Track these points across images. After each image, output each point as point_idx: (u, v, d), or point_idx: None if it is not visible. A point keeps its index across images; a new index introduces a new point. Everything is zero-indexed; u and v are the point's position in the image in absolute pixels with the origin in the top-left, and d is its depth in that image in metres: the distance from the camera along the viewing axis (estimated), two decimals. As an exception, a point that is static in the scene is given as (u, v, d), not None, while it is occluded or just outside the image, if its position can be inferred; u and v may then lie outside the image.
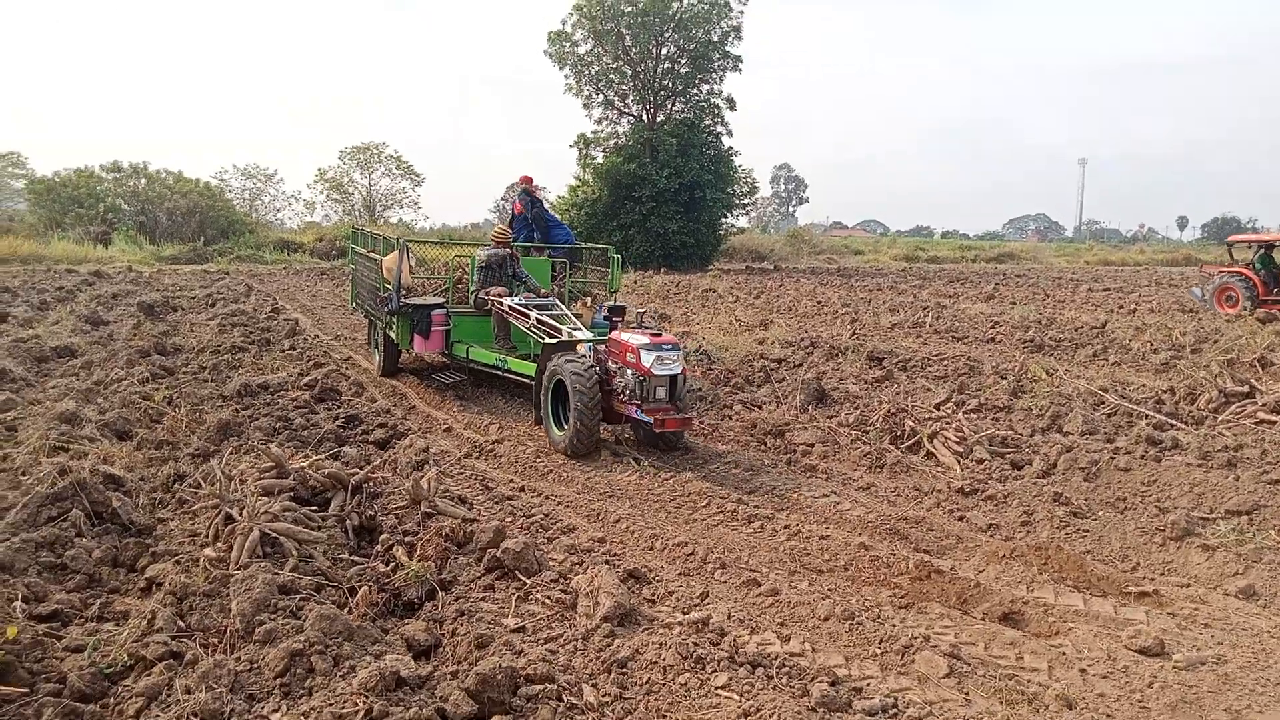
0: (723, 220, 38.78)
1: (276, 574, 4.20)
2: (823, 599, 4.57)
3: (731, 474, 7.08)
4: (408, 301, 10.07)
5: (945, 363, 11.55)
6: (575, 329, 8.71)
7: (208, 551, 4.62)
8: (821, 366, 11.28)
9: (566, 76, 37.76)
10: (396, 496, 5.94)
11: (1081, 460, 7.18)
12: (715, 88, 37.92)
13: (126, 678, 3.66)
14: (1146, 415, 8.58)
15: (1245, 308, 18.88)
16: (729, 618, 4.28)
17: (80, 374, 9.61)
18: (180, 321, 14.91)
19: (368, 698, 3.20)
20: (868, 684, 3.70)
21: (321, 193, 52.31)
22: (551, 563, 4.91)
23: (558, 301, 9.93)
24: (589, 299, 11.65)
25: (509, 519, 5.77)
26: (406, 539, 5.17)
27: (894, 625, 4.29)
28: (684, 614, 4.27)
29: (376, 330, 11.54)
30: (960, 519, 6.16)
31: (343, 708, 3.14)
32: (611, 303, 10.34)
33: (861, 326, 15.99)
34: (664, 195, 34.50)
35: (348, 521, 5.28)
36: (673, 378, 7.49)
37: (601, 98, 38.01)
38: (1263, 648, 4.15)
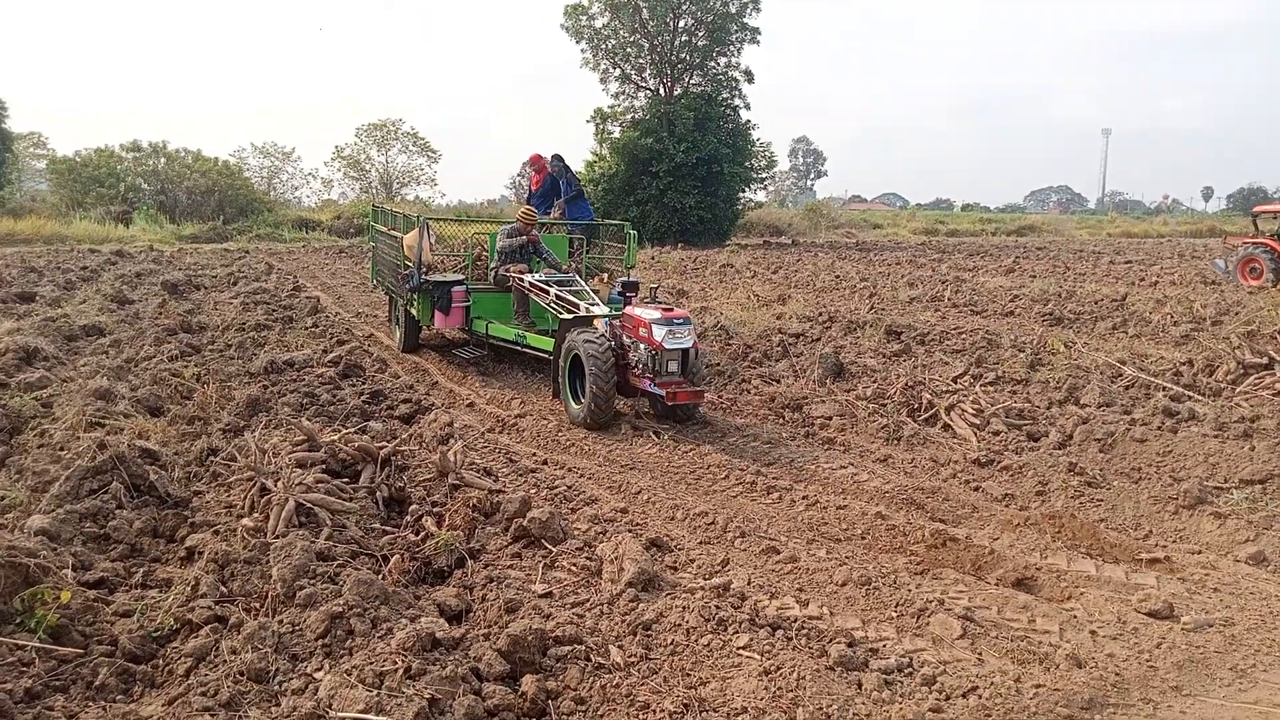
0: (740, 195, 38.67)
1: (313, 542, 4.37)
2: (840, 566, 4.70)
3: (750, 446, 7.20)
4: (428, 278, 10.21)
5: (963, 336, 11.59)
6: (593, 304, 8.83)
7: (245, 522, 4.80)
8: (839, 341, 11.34)
9: (583, 51, 37.70)
10: (423, 469, 6.11)
11: (1097, 432, 7.25)
12: (733, 60, 37.75)
13: (173, 640, 3.84)
14: (1164, 387, 8.62)
15: (1269, 280, 18.73)
16: (749, 583, 4.42)
17: (110, 352, 9.83)
18: (204, 300, 15.12)
19: (406, 656, 3.36)
20: (883, 645, 3.83)
21: (339, 170, 52.51)
22: (576, 532, 5.06)
23: (577, 277, 10.06)
24: (606, 275, 11.75)
25: (533, 491, 5.92)
26: (435, 510, 5.33)
27: (909, 590, 4.41)
28: (705, 580, 4.41)
29: (397, 307, 11.70)
30: (976, 489, 6.26)
31: (383, 666, 3.30)
32: (626, 278, 10.46)
33: (880, 301, 16.01)
34: (681, 170, 34.41)
35: (378, 493, 5.44)
36: (684, 351, 7.62)
37: (618, 71, 37.93)
38: (1270, 610, 4.25)
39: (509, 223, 10.72)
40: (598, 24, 37.22)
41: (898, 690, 3.45)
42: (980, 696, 3.41)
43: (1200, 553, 5.08)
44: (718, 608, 3.98)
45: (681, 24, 36.92)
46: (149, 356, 9.46)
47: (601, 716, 3.34)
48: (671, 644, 3.76)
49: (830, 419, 7.87)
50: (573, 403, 8.06)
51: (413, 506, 5.39)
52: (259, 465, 5.28)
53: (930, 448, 7.21)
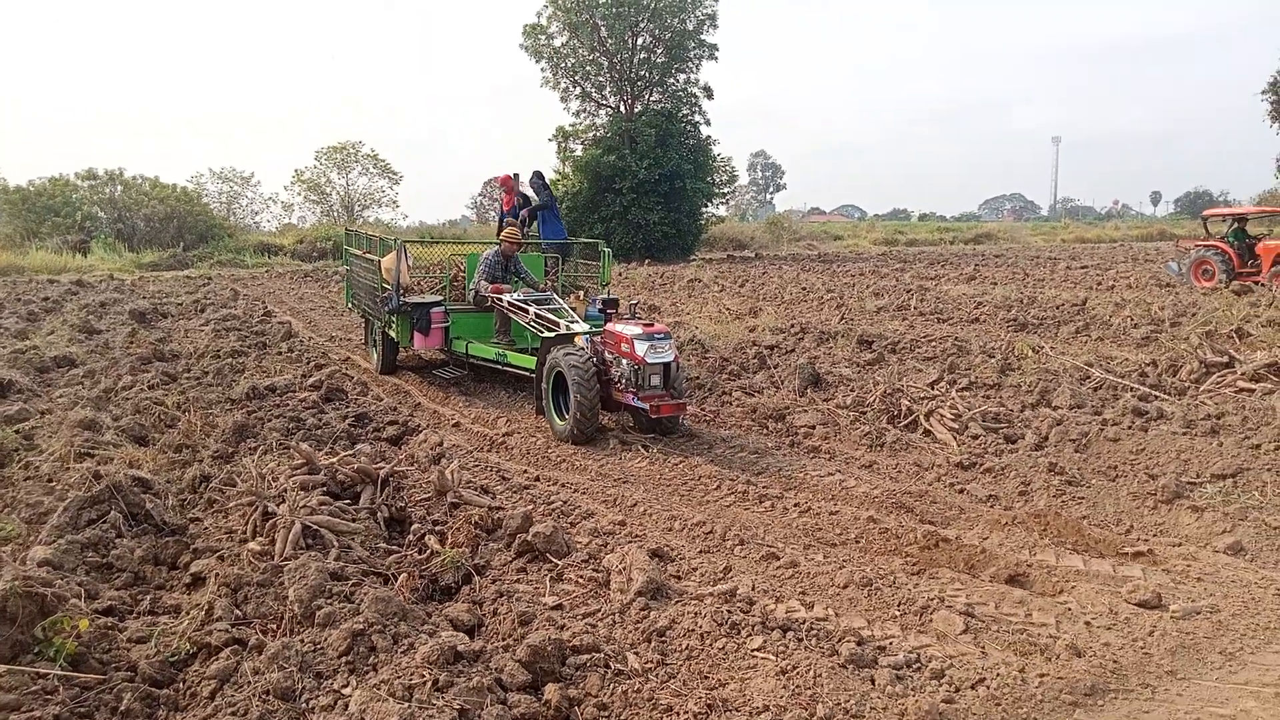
0: (703, 209, 39.03)
1: (325, 563, 4.41)
2: (840, 569, 4.83)
3: (738, 457, 7.33)
4: (407, 300, 10.26)
5: (933, 344, 11.85)
6: (573, 322, 8.94)
7: (251, 545, 4.82)
8: (814, 351, 11.55)
9: (543, 70, 37.89)
10: (419, 489, 6.16)
11: (1072, 432, 7.49)
12: (692, 77, 38.18)
13: (192, 664, 3.87)
14: (1131, 388, 8.91)
15: (1221, 281, 19.31)
16: (754, 589, 4.53)
17: (85, 382, 9.73)
18: (173, 328, 14.98)
19: (432, 670, 3.43)
20: (891, 642, 3.96)
21: (299, 194, 52.16)
22: (579, 545, 5.14)
23: (555, 295, 10.16)
24: (581, 292, 11.87)
25: (531, 507, 5.99)
26: (436, 528, 5.39)
27: (909, 590, 4.55)
28: (711, 586, 4.52)
29: (374, 329, 11.71)
30: (961, 491, 6.45)
31: (411, 679, 3.36)
32: (605, 295, 10.59)
33: (848, 311, 16.28)
34: (644, 186, 34.68)
35: (379, 513, 5.49)
36: (666, 365, 7.76)
37: (579, 90, 38.17)
38: (1252, 597, 4.45)
39: (490, 243, 10.81)
40: (556, 43, 37.50)
41: (909, 684, 3.58)
42: (989, 687, 3.55)
43: (1181, 545, 5.29)
44: (729, 613, 4.09)
45: (640, 42, 37.30)
46: (127, 386, 9.39)
47: (625, 721, 3.42)
48: (687, 649, 3.87)
49: (813, 428, 8.03)
50: (557, 419, 8.15)
51: (414, 525, 5.44)
52: (260, 489, 5.31)
53: (913, 453, 7.40)
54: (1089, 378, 9.47)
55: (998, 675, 3.62)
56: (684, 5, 36.64)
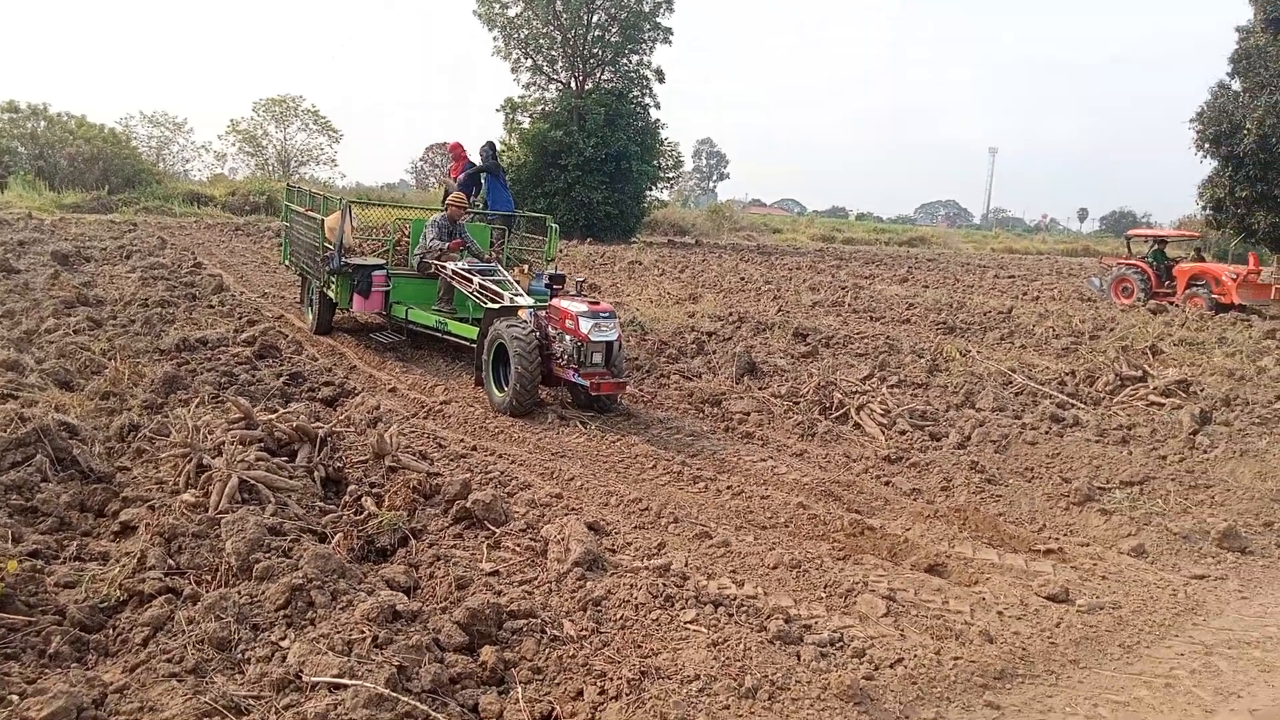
0: (647, 192, 39.07)
1: (263, 518, 4.40)
2: (770, 550, 5.00)
3: (674, 438, 7.46)
4: (349, 261, 10.12)
5: (866, 341, 12.15)
6: (517, 295, 8.95)
7: (185, 497, 4.77)
8: (750, 340, 11.73)
9: (495, 39, 37.43)
10: (356, 451, 6.15)
11: (993, 434, 7.81)
12: (645, 59, 38.09)
13: (123, 611, 3.84)
14: (1050, 395, 9.30)
15: (1139, 299, 20.17)
16: (687, 565, 4.66)
17: (4, 322, 9.40)
18: (98, 273, 14.49)
19: (371, 627, 3.47)
20: (816, 621, 4.14)
21: (233, 145, 50.51)
22: (516, 515, 5.20)
23: (499, 267, 10.14)
24: (526, 266, 11.85)
25: (469, 475, 6.02)
26: (374, 490, 5.40)
27: (835, 573, 4.74)
28: (646, 560, 4.63)
29: (311, 289, 11.51)
30: (887, 484, 6.69)
31: (350, 635, 3.40)
32: (552, 271, 10.61)
33: (785, 304, 16.54)
34: (590, 164, 34.55)
35: (316, 473, 5.47)
36: (609, 344, 7.85)
37: (530, 62, 37.80)
38: (1151, 596, 4.76)
39: (434, 209, 10.71)
40: (511, 13, 37.03)
41: (832, 661, 3.75)
42: (906, 667, 3.74)
43: (1089, 545, 5.59)
44: (663, 586, 4.21)
45: (595, 19, 37.08)
46: (51, 329, 9.12)
47: (559, 685, 3.52)
48: (621, 619, 3.98)
49: (748, 415, 8.21)
50: (496, 390, 8.17)
51: (351, 487, 5.44)
52: (195, 441, 5.24)
53: (843, 444, 7.62)
54: (1011, 383, 9.85)
55: (915, 656, 3.82)
56: (642, -14, 36.53)
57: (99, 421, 6.40)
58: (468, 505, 5.05)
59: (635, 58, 38.01)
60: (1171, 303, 19.76)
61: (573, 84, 37.75)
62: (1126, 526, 5.85)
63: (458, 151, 13.71)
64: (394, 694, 3.13)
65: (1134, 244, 23.21)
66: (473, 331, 8.81)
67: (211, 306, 11.74)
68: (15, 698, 3.15)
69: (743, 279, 20.72)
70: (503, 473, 6.21)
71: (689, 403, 8.59)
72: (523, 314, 8.38)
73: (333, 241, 10.10)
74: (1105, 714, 3.53)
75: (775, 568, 4.77)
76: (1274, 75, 21.75)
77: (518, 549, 4.75)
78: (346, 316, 11.50)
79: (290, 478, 5.19)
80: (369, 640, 3.39)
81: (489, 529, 4.97)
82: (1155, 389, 9.49)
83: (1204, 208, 25.64)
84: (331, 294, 10.49)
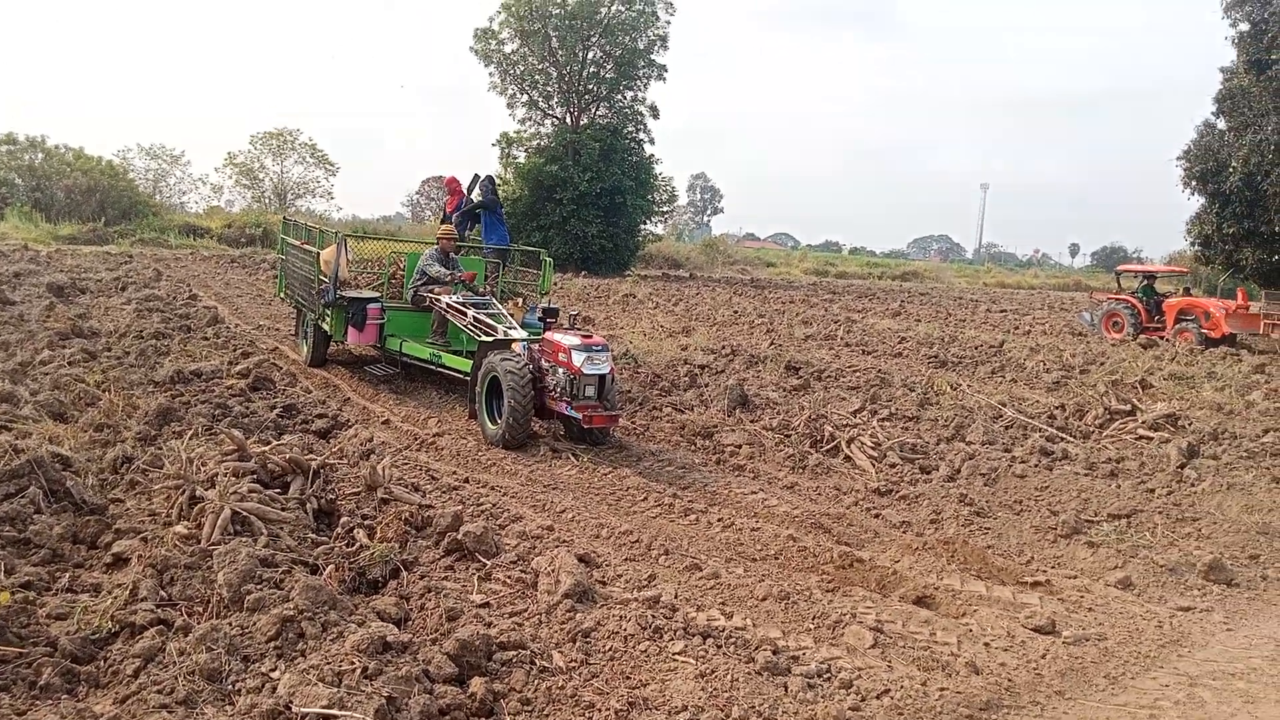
0: (642, 226, 39.33)
1: (255, 549, 4.42)
2: (759, 582, 5.03)
3: (665, 471, 7.50)
4: (344, 294, 10.19)
5: (858, 374, 12.24)
6: (511, 328, 9.02)
7: (178, 529, 4.79)
8: (743, 373, 11.81)
9: (491, 74, 37.80)
10: (349, 483, 6.18)
11: (983, 467, 7.86)
12: (639, 95, 38.50)
13: (114, 643, 3.86)
14: (1040, 428, 9.37)
15: (1129, 333, 20.33)
16: (677, 597, 4.69)
17: (0, 354, 9.44)
18: (93, 305, 14.56)
19: (361, 658, 3.49)
20: (804, 652, 4.16)
21: (230, 177, 50.81)
22: (508, 546, 5.23)
23: (494, 300, 10.22)
24: (520, 299, 11.93)
25: (460, 507, 6.05)
26: (366, 522, 5.43)
27: (824, 605, 4.77)
28: (636, 592, 4.67)
29: (306, 321, 11.58)
30: (876, 516, 6.73)
31: (340, 666, 3.43)
32: (546, 304, 10.70)
33: (778, 337, 16.66)
34: (585, 198, 34.81)
35: (309, 504, 5.50)
36: (601, 377, 7.91)
37: (526, 98, 38.15)
38: (1136, 628, 4.80)
39: (429, 243, 10.82)
40: (507, 49, 37.43)
41: (820, 692, 3.78)
42: (893, 697, 3.77)
43: (1076, 577, 5.63)
44: (652, 617, 4.24)
45: (590, 56, 37.51)
46: (45, 361, 9.16)
47: (547, 716, 3.55)
48: (610, 650, 4.00)
49: (740, 447, 8.25)
50: (489, 423, 8.21)
51: (344, 519, 5.46)
52: (188, 473, 5.27)
53: (833, 477, 7.67)
54: (1002, 416, 9.92)
55: (902, 687, 3.84)
56: (636, 24, 37.01)
57: (93, 453, 6.42)
58: (459, 537, 5.08)
59: (630, 94, 38.44)
60: (1162, 337, 19.92)
61: (568, 119, 38.13)
62: (1113, 559, 5.89)
63: (453, 186, 13.85)
64: (383, 725, 3.15)
65: (1124, 279, 23.44)
66: (466, 364, 8.87)
67: (206, 339, 11.79)
68: (5, 728, 3.17)
69: (736, 312, 20.85)
70: (495, 505, 6.24)
71: (681, 435, 8.64)
72: (516, 347, 8.44)
73: (328, 274, 10.18)
74: (1090, 745, 3.56)
75: (764, 599, 4.81)
76: (1258, 115, 22.13)
77: (508, 581, 4.77)
78: (341, 349, 11.56)
79: (282, 509, 5.22)
80: (359, 671, 3.41)
81: (480, 561, 4.99)
82: (1144, 423, 9.57)
83: (1192, 244, 25.97)
84: (326, 327, 10.55)
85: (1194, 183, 23.93)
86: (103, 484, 5.94)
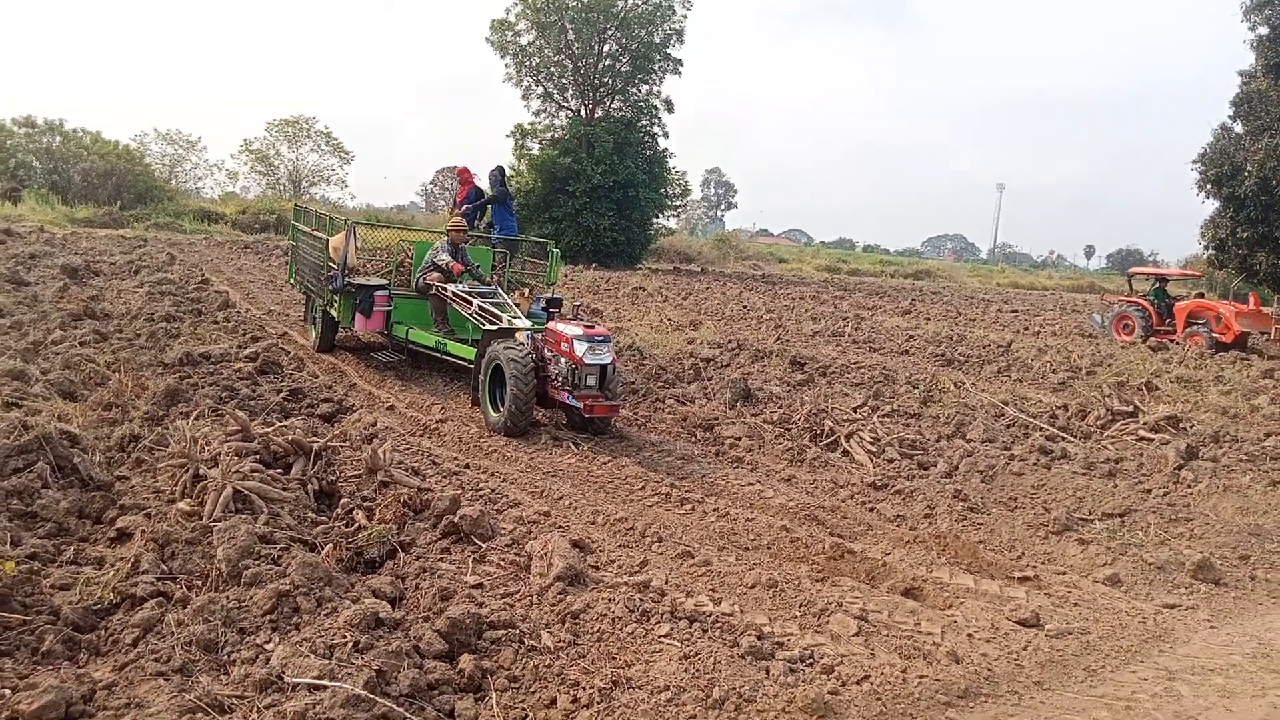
0: (654, 220, 39.40)
1: (254, 526, 4.53)
2: (749, 570, 5.11)
3: (665, 461, 7.58)
4: (352, 281, 10.31)
5: (862, 370, 12.28)
6: (515, 317, 9.11)
7: (180, 505, 4.91)
8: (747, 368, 11.88)
9: (507, 66, 37.92)
10: (350, 466, 6.28)
11: (980, 464, 7.91)
12: (654, 89, 38.56)
13: (115, 613, 3.97)
14: (1041, 428, 9.40)
15: (1140, 336, 20.26)
16: (667, 582, 4.77)
17: (12, 333, 9.60)
18: (105, 287, 14.73)
19: (353, 632, 3.59)
20: (788, 639, 4.24)
21: (246, 164, 51.10)
22: (503, 530, 5.33)
23: (500, 290, 10.31)
24: (527, 289, 12.02)
25: (459, 491, 6.14)
26: (365, 504, 5.52)
27: (811, 594, 4.84)
28: (627, 577, 4.75)
29: (315, 307, 11.71)
30: (871, 510, 6.79)
31: (332, 640, 3.53)
32: (550, 294, 10.79)
33: (785, 333, 16.69)
34: (598, 191, 34.90)
35: (309, 485, 5.60)
36: (603, 367, 7.99)
37: (541, 90, 38.26)
38: (1120, 623, 4.85)
39: (439, 232, 10.92)
40: (523, 41, 37.55)
41: (800, 676, 3.85)
42: (872, 683, 3.84)
43: (1065, 573, 5.68)
44: (640, 601, 4.32)
45: (606, 49, 37.56)
46: (57, 341, 9.30)
47: (534, 693, 3.64)
48: (598, 631, 4.09)
49: (739, 440, 8.32)
50: (492, 411, 8.30)
51: (343, 500, 5.56)
52: (193, 452, 5.38)
53: (830, 470, 7.74)
54: (1003, 415, 9.96)
55: (882, 674, 3.92)
56: (652, 18, 37.04)
57: (100, 431, 6.55)
58: (456, 520, 5.18)
59: (645, 87, 38.49)
60: (1172, 340, 19.84)
61: (582, 112, 38.19)
62: (1103, 556, 5.94)
63: (464, 176, 13.94)
64: (372, 696, 3.25)
65: (1136, 281, 23.33)
66: (471, 352, 8.96)
67: (216, 322, 11.92)
68: (8, 691, 3.28)
69: (745, 307, 20.89)
70: (493, 490, 6.33)
71: (682, 427, 8.72)
72: (520, 336, 8.53)
73: (336, 261, 10.30)
74: (1065, 735, 3.63)
75: (753, 587, 4.88)
76: (1275, 119, 21.99)
77: (502, 563, 4.87)
78: (349, 335, 11.67)
79: (284, 489, 5.33)
80: (350, 645, 3.51)
81: (475, 544, 5.09)
82: (1145, 424, 9.58)
83: (1206, 247, 25.81)
84: (334, 313, 10.67)
85: (1209, 186, 23.76)
86: (109, 461, 6.06)
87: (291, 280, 13.48)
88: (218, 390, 8.05)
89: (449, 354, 9.63)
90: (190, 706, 3.19)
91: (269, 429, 6.06)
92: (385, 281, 10.74)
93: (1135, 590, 5.46)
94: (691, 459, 7.73)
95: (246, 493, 4.98)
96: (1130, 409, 10.18)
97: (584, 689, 3.59)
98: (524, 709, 3.53)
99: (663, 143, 38.99)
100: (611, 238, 35.49)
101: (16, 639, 3.65)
